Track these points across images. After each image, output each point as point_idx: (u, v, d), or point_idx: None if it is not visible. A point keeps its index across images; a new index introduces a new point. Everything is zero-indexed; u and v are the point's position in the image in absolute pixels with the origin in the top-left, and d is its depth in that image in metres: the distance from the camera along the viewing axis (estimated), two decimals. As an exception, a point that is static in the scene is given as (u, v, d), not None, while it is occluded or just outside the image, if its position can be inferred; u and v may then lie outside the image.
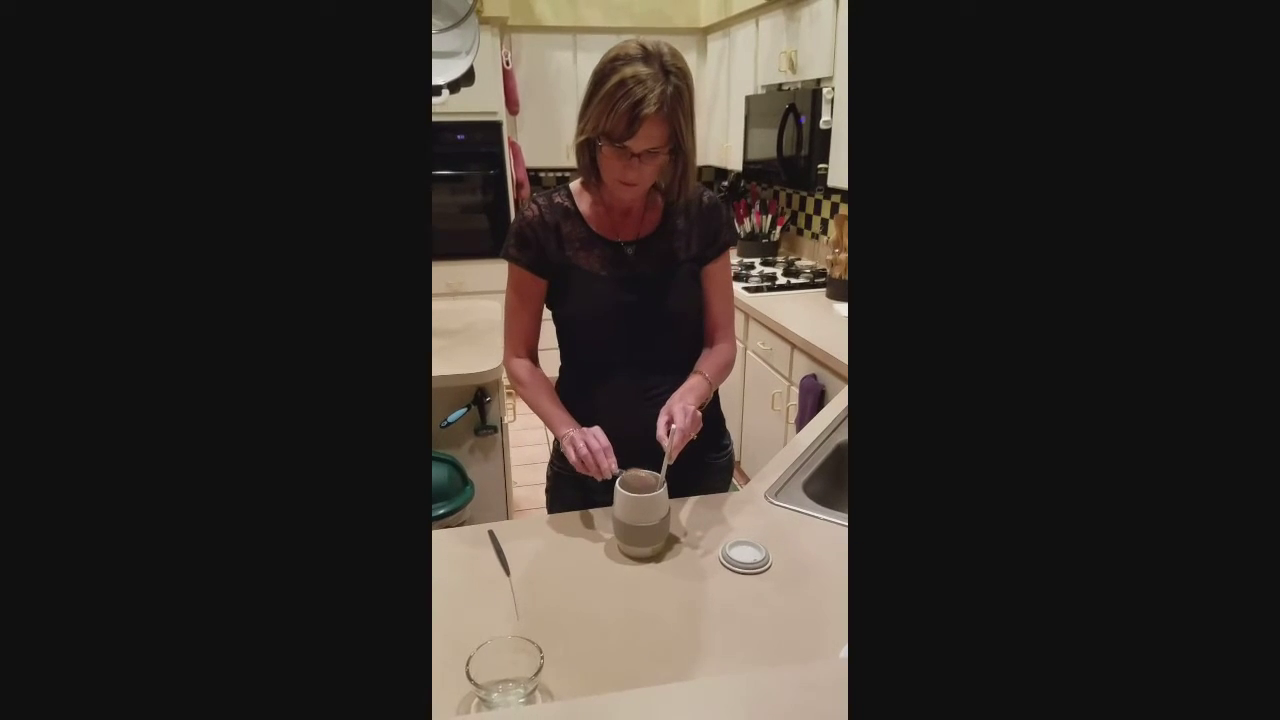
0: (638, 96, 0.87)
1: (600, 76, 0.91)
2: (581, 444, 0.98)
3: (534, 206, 1.05)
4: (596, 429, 1.00)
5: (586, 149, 0.97)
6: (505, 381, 1.93)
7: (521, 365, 1.11)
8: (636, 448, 0.99)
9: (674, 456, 0.96)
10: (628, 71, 0.88)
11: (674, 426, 0.96)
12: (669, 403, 1.00)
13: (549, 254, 1.05)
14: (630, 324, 1.05)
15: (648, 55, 0.89)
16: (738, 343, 2.56)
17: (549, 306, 1.10)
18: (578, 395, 1.09)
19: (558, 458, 1.14)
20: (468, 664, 0.68)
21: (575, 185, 1.07)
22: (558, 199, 1.06)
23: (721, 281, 1.12)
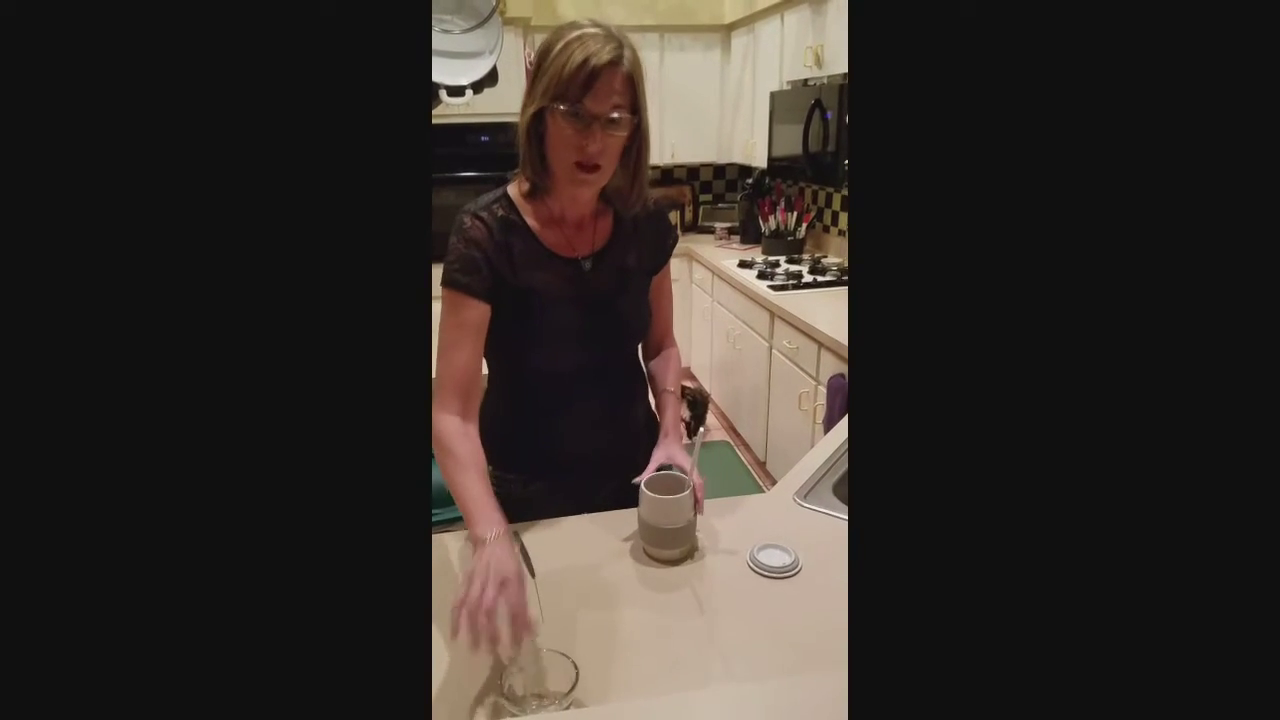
0: (589, 50, 0.81)
1: (548, 45, 0.85)
2: (477, 591, 0.69)
3: (477, 222, 0.91)
4: (508, 573, 0.71)
5: (533, 138, 0.88)
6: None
7: (453, 426, 0.88)
8: (603, 464, 0.99)
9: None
10: (573, 35, 0.83)
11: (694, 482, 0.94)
12: (667, 451, 0.98)
13: (503, 277, 0.91)
14: (592, 346, 0.99)
15: (597, 25, 0.85)
16: (763, 341, 2.55)
17: (493, 333, 0.95)
18: (533, 422, 1.02)
19: (497, 483, 0.98)
20: (501, 678, 0.68)
21: (513, 192, 0.95)
22: (500, 210, 0.93)
23: (666, 287, 1.10)
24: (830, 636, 0.80)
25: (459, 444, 0.88)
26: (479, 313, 0.92)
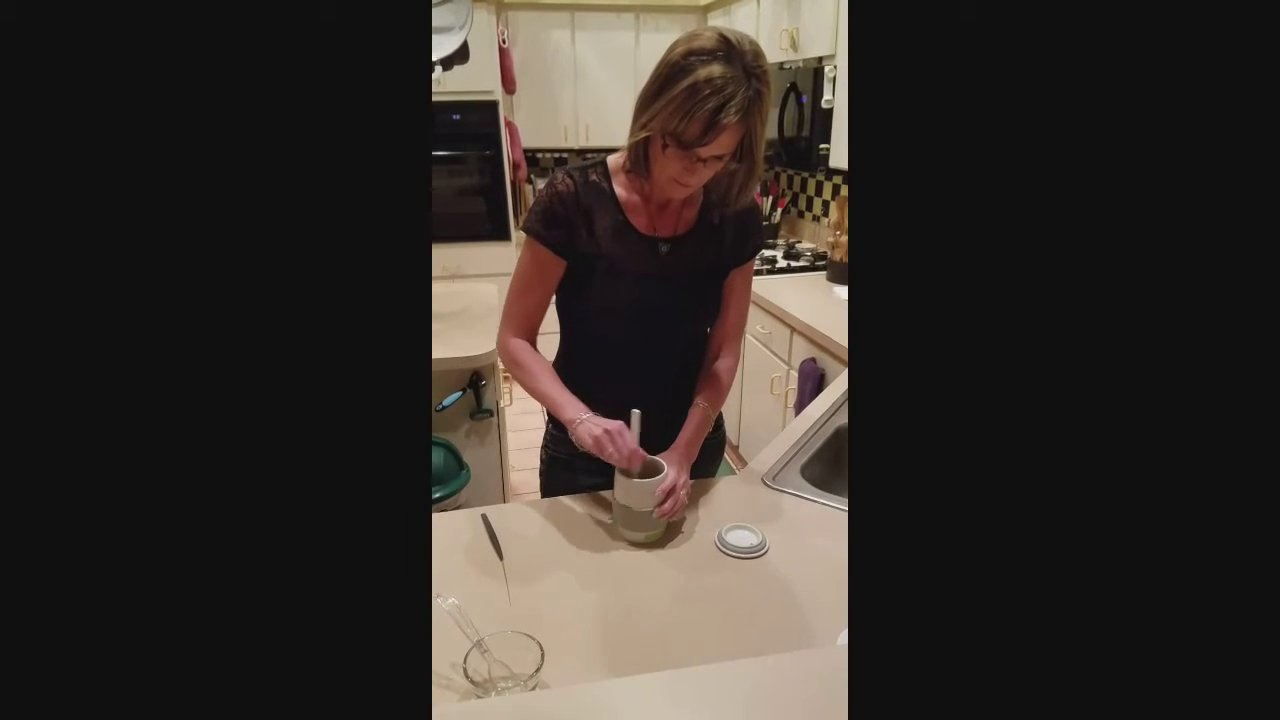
0: (718, 103, 0.77)
1: (672, 71, 0.80)
2: (600, 432, 0.91)
3: (568, 181, 0.94)
4: (617, 424, 0.93)
5: (642, 142, 0.87)
6: (501, 366, 1.92)
7: (521, 346, 1.02)
8: (646, 444, 0.96)
9: (668, 515, 0.93)
10: (703, 73, 0.78)
11: (677, 493, 0.93)
12: (674, 472, 0.94)
13: (577, 238, 0.95)
14: (650, 327, 1.00)
15: (729, 52, 0.78)
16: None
17: (562, 290, 1.01)
18: (588, 389, 1.03)
19: (553, 441, 1.12)
20: (465, 660, 0.67)
21: (613, 162, 0.97)
22: (593, 177, 0.95)
23: (742, 289, 1.06)
24: (796, 616, 0.81)
25: (529, 357, 1.01)
26: (552, 264, 0.97)
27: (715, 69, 0.78)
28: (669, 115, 0.80)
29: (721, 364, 1.08)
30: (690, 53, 0.79)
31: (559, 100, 3.43)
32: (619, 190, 0.96)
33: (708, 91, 0.78)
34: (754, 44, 0.81)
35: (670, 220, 0.98)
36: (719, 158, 0.85)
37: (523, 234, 0.98)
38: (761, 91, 0.81)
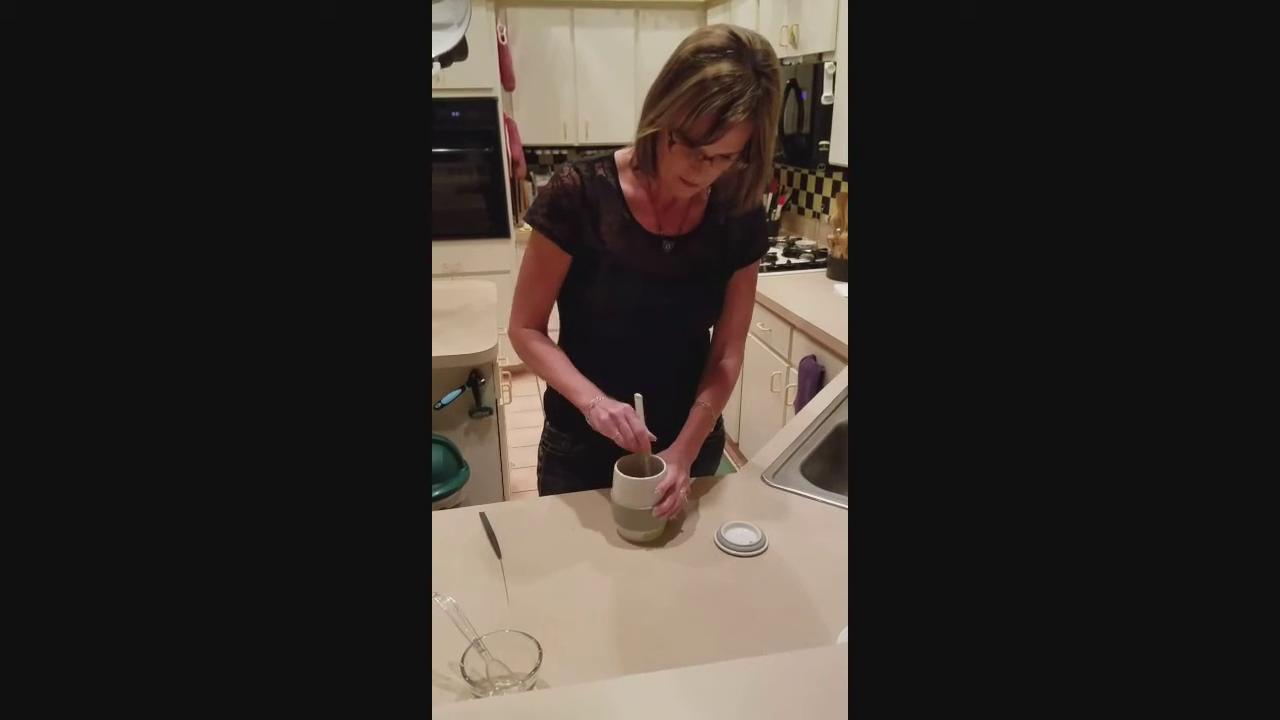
0: (725, 101, 0.77)
1: (681, 68, 0.80)
2: (606, 418, 0.91)
3: (574, 174, 0.94)
4: (626, 407, 0.93)
5: (650, 138, 0.86)
6: (501, 364, 1.91)
7: (532, 334, 1.02)
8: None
9: (666, 513, 0.93)
10: (712, 70, 0.77)
11: (677, 491, 0.92)
12: (673, 471, 0.94)
13: (582, 232, 0.94)
14: (652, 326, 0.99)
15: (739, 51, 0.78)
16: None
17: (564, 285, 1.01)
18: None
19: (550, 439, 1.12)
20: (462, 660, 0.67)
21: (620, 157, 0.96)
22: (600, 171, 0.95)
23: (746, 290, 1.05)
24: (796, 614, 0.81)
25: (541, 346, 1.01)
26: (557, 258, 0.96)
27: (724, 67, 0.78)
28: (676, 112, 0.80)
29: (726, 364, 1.08)
30: (700, 49, 0.79)
31: (558, 97, 3.42)
32: (626, 187, 0.95)
33: (715, 89, 0.77)
34: (765, 43, 0.80)
35: (676, 219, 0.98)
36: (726, 157, 0.84)
37: (522, 231, 0.98)
38: (771, 91, 0.81)
